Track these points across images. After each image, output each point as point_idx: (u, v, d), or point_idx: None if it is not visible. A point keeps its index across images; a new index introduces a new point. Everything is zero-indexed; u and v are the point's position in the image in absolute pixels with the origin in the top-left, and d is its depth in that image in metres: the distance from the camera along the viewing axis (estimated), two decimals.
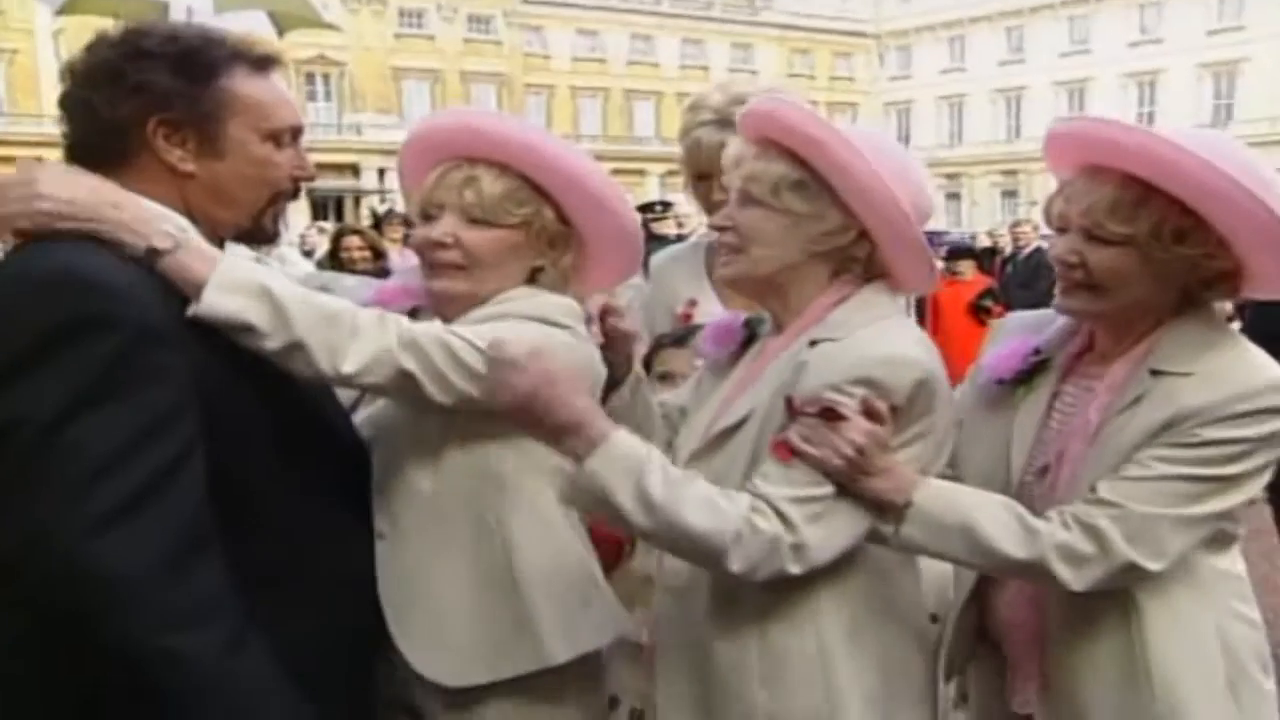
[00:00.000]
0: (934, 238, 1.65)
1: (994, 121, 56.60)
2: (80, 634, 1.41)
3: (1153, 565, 1.62)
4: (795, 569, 1.58)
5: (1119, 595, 1.70)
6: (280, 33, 7.69)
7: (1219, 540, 1.74)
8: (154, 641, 1.40)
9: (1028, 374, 1.84)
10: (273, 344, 1.58)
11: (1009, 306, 10.62)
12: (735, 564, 1.56)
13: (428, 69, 50.97)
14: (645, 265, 2.48)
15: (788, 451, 1.60)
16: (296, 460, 1.67)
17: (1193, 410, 1.62)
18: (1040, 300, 9.70)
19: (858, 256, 1.71)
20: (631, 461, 1.56)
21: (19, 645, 1.49)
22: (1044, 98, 53.59)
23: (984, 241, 13.52)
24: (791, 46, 60.19)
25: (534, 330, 1.74)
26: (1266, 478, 1.68)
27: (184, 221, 1.62)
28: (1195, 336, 1.69)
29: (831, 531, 1.60)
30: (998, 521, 1.63)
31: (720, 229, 1.77)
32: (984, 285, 9.37)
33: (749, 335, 1.88)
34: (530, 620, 1.78)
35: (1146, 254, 1.65)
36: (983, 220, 37.52)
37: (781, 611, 1.67)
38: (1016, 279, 10.70)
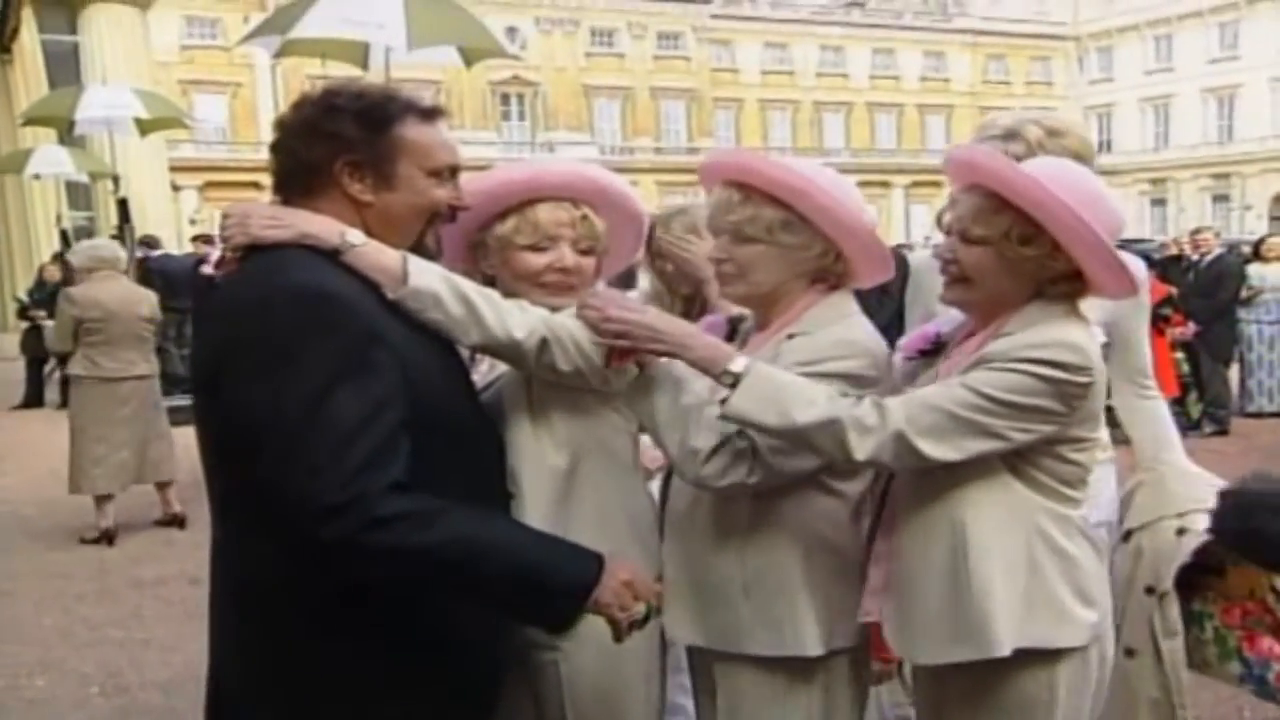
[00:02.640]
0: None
1: (1204, 123, 54.08)
2: (358, 545, 1.76)
3: (920, 443, 1.91)
4: (752, 479, 2.00)
5: (950, 518, 2.01)
6: (468, 64, 8.29)
7: (1038, 484, 2.03)
8: (411, 540, 1.77)
9: (928, 353, 2.24)
10: (457, 311, 1.97)
11: (1189, 315, 10.36)
12: (708, 468, 2.00)
13: (618, 86, 52.16)
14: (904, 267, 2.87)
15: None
16: (455, 446, 2.00)
17: (994, 352, 1.98)
18: (1222, 309, 9.44)
19: (835, 270, 2.18)
20: (674, 379, 2.05)
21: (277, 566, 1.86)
22: (1259, 95, 50.94)
23: (1170, 250, 13.00)
24: (986, 53, 58.99)
25: None
26: (1043, 427, 1.96)
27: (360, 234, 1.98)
28: (1034, 315, 2.03)
29: (787, 463, 2.03)
30: (804, 395, 1.94)
31: (719, 261, 2.18)
32: (1162, 294, 9.19)
33: (731, 331, 2.34)
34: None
35: (1001, 253, 2.02)
36: (1190, 227, 36.01)
37: (754, 546, 2.12)
38: (1197, 288, 10.40)
